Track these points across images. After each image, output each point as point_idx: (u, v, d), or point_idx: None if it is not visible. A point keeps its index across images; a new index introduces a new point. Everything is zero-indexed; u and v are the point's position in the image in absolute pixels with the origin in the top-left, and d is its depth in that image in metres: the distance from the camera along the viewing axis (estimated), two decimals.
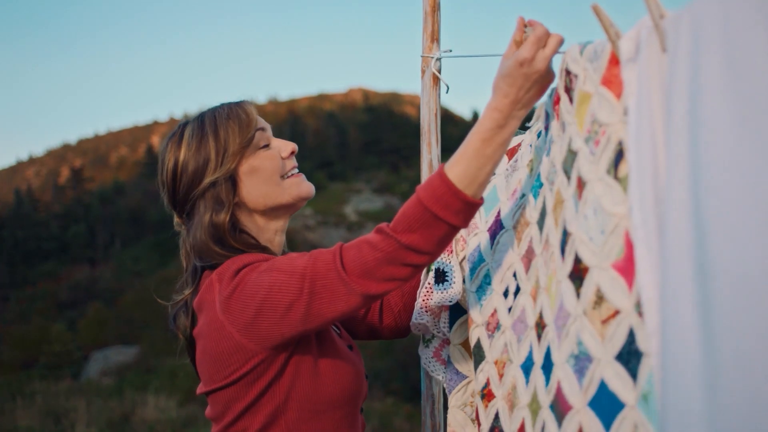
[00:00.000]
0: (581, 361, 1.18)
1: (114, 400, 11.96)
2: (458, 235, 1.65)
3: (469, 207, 1.32)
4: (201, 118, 1.59)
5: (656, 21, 1.04)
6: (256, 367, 1.43)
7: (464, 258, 1.64)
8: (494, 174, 1.62)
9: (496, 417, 1.47)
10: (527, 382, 1.38)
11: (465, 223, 1.34)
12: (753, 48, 0.86)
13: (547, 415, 1.27)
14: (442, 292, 1.64)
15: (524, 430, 1.36)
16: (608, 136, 1.16)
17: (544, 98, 1.43)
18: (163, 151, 1.62)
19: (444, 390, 1.80)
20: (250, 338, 1.41)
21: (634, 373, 1.08)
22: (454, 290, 1.63)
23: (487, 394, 1.52)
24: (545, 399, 1.29)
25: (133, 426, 10.44)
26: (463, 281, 1.64)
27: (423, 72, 1.85)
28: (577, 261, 1.20)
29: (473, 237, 1.63)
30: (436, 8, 1.84)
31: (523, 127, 1.58)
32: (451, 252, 1.66)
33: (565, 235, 1.26)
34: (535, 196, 1.44)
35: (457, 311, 1.70)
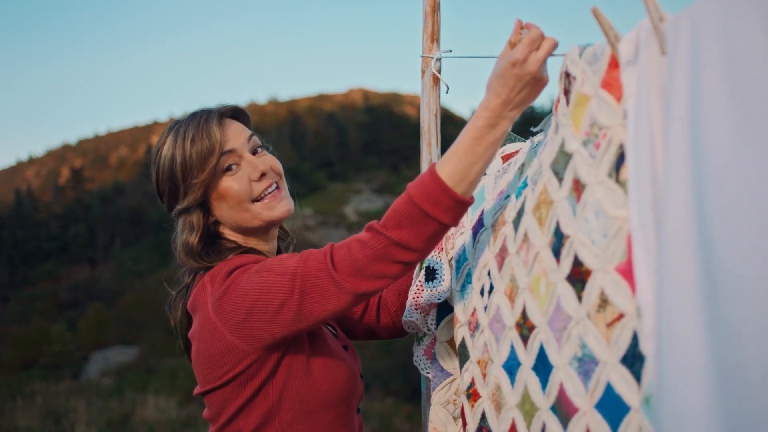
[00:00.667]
0: (586, 364, 1.18)
1: (114, 400, 11.95)
2: (448, 233, 1.66)
3: (458, 205, 1.33)
4: (174, 136, 1.57)
5: (655, 23, 1.04)
6: (248, 367, 1.44)
7: (452, 257, 1.66)
8: (485, 174, 1.62)
9: (483, 417, 1.48)
10: (513, 382, 1.38)
11: (454, 221, 1.35)
12: (752, 50, 0.86)
13: (548, 417, 1.27)
14: (431, 290, 1.66)
15: (516, 431, 1.36)
16: (609, 140, 1.16)
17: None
18: (150, 163, 1.65)
19: None
20: (242, 339, 1.42)
21: (638, 377, 1.08)
22: (443, 287, 1.65)
23: (472, 394, 1.52)
24: (543, 401, 1.29)
25: (133, 426, 10.44)
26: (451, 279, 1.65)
27: (423, 72, 1.85)
28: (577, 264, 1.21)
29: (460, 236, 1.65)
30: (436, 8, 1.84)
31: (529, 133, 1.59)
32: (441, 250, 1.67)
33: (561, 237, 1.26)
34: (518, 196, 1.45)
35: (444, 309, 1.71)
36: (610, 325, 1.13)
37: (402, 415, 11.85)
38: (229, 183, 1.55)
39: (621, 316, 1.11)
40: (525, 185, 1.43)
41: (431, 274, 1.67)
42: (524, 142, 1.62)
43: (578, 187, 1.22)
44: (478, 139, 1.32)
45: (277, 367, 1.46)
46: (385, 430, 11.05)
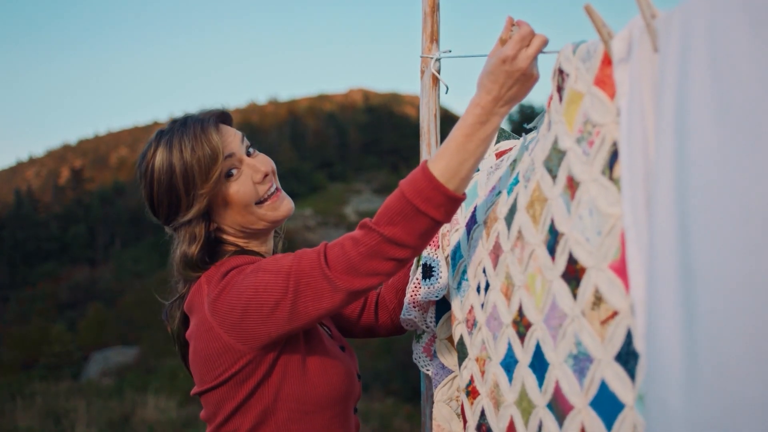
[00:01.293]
0: (581, 362, 1.18)
1: (114, 400, 11.95)
2: (444, 230, 1.67)
3: (450, 201, 1.34)
4: (167, 147, 1.51)
5: (648, 21, 1.04)
6: (244, 367, 1.44)
7: (448, 254, 1.66)
8: (478, 170, 1.63)
9: (482, 414, 1.48)
10: (510, 379, 1.38)
11: (447, 218, 1.36)
12: (735, 45, 0.87)
13: (544, 414, 1.27)
14: (429, 287, 1.67)
15: (514, 428, 1.37)
16: (602, 137, 1.17)
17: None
18: (138, 177, 1.58)
19: None
20: (237, 339, 1.42)
21: (632, 374, 1.08)
22: (440, 285, 1.65)
23: (471, 391, 1.53)
24: (540, 398, 1.29)
25: (133, 426, 10.43)
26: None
27: (422, 72, 1.85)
28: (572, 261, 1.21)
29: (454, 233, 1.65)
30: (435, 9, 1.84)
31: (523, 130, 1.59)
32: (438, 247, 1.68)
33: (555, 235, 1.26)
34: (509, 192, 1.45)
35: (443, 306, 1.71)
36: (604, 322, 1.14)
37: (402, 416, 11.84)
38: (234, 188, 1.54)
39: (615, 313, 1.12)
40: (516, 182, 1.43)
41: (428, 272, 1.68)
42: (519, 139, 1.62)
43: (572, 184, 1.23)
44: (469, 135, 1.34)
45: (272, 368, 1.46)
46: (384, 431, 11.04)
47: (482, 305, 1.49)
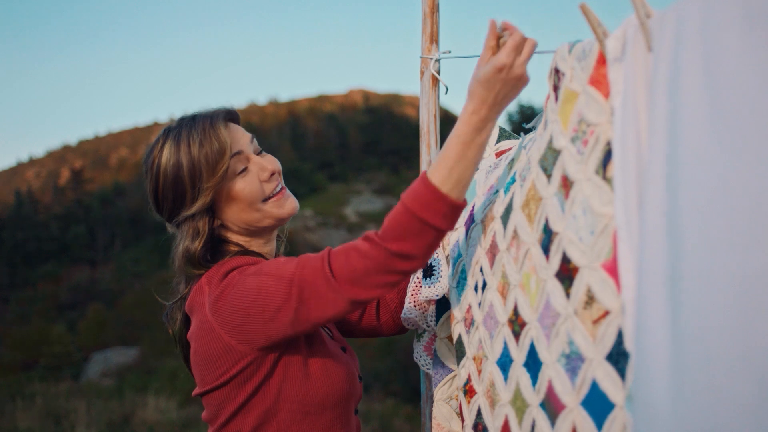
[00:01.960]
0: (573, 361, 1.19)
1: (114, 401, 11.96)
2: None
3: (454, 209, 1.34)
4: (175, 142, 1.53)
5: (642, 20, 1.04)
6: (245, 368, 1.45)
7: (448, 254, 1.67)
8: (477, 169, 1.64)
9: (479, 413, 1.49)
10: (506, 378, 1.39)
11: (451, 226, 1.36)
12: (728, 46, 0.87)
13: (537, 413, 1.28)
14: (429, 287, 1.67)
15: (509, 427, 1.37)
16: (597, 136, 1.17)
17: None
18: (144, 172, 1.60)
19: None
20: (238, 340, 1.42)
21: (623, 374, 1.09)
22: (441, 284, 1.66)
23: (469, 390, 1.53)
24: (534, 397, 1.29)
25: (134, 427, 10.44)
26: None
27: (422, 73, 1.86)
28: (565, 261, 1.21)
29: (454, 232, 1.66)
30: (435, 9, 1.85)
31: (522, 130, 1.59)
32: (438, 246, 1.68)
33: (549, 234, 1.27)
34: (506, 191, 1.46)
35: (443, 306, 1.72)
36: (596, 322, 1.14)
37: (402, 416, 11.84)
38: (241, 185, 1.55)
39: (607, 313, 1.12)
40: (513, 180, 1.44)
41: (429, 271, 1.68)
42: (518, 139, 1.62)
43: (567, 183, 1.23)
44: (467, 143, 1.33)
45: (274, 368, 1.46)
46: (385, 431, 11.04)
47: (480, 304, 1.49)
